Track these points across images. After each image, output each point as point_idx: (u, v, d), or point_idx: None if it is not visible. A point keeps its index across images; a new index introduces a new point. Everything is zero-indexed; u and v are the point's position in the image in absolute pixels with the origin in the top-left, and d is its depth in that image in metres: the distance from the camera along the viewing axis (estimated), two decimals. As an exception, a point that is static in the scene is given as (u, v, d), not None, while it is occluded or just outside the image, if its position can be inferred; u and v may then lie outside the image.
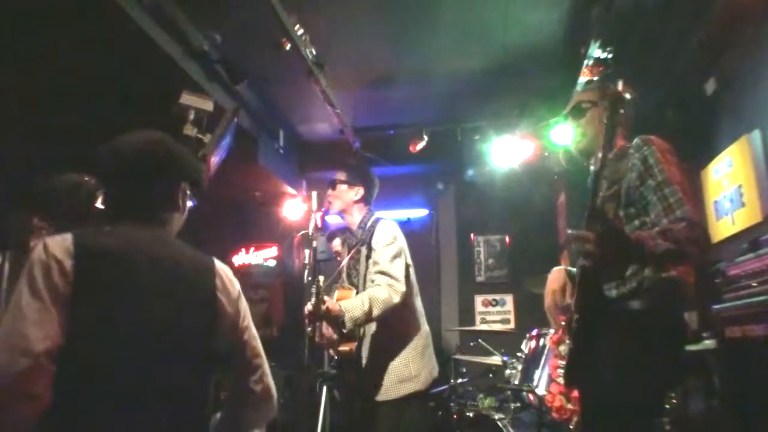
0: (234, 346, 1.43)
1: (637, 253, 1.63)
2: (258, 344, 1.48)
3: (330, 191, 2.82)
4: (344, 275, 2.85)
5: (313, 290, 2.37)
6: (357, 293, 2.61)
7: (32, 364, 1.13)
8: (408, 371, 2.58)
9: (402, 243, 2.69)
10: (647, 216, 1.78)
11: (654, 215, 1.75)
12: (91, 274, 1.23)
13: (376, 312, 2.44)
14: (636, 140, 1.86)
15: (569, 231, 1.64)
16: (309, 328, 2.48)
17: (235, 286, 1.46)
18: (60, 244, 1.24)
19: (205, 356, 1.36)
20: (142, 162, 1.41)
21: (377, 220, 2.75)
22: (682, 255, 1.66)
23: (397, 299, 2.51)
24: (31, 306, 1.17)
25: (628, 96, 2.14)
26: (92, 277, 1.23)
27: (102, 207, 1.56)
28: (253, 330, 1.48)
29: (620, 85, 2.15)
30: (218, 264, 1.45)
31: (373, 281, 2.57)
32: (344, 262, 2.84)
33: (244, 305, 1.47)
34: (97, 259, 1.25)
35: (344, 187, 2.80)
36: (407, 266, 2.69)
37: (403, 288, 2.55)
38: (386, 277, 2.54)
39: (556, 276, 2.06)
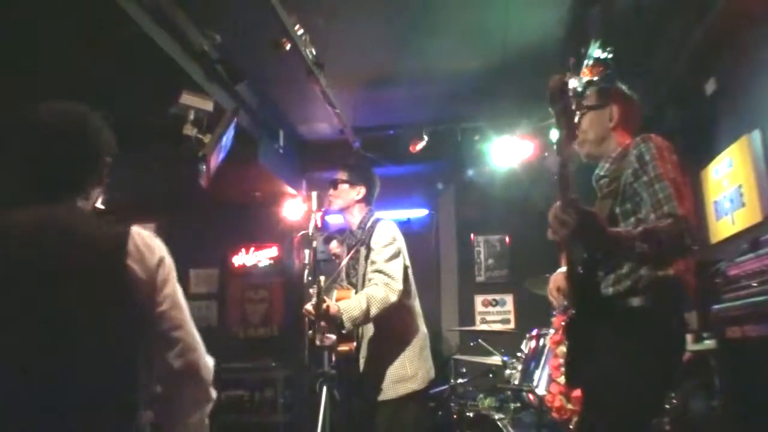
0: (150, 316, 1.29)
1: (612, 249, 1.64)
2: (182, 316, 1.33)
3: (331, 191, 2.82)
4: (343, 275, 2.85)
5: (313, 291, 2.38)
6: (356, 293, 2.61)
7: None
8: (405, 372, 2.59)
9: (401, 244, 2.69)
10: (642, 213, 1.78)
11: (645, 211, 1.75)
12: None
13: (374, 311, 2.45)
14: (636, 138, 1.87)
15: (554, 212, 1.64)
16: (310, 330, 2.49)
17: (154, 252, 1.31)
18: None
19: (121, 332, 1.26)
20: (73, 135, 1.35)
21: (377, 221, 2.75)
22: (663, 255, 1.66)
23: (394, 298, 2.51)
24: None
25: (627, 92, 2.12)
26: None
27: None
28: (179, 300, 1.34)
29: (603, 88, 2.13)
30: (135, 231, 1.31)
31: (370, 280, 2.58)
32: (344, 263, 2.84)
33: (166, 273, 1.32)
34: None
35: (346, 186, 2.80)
36: (405, 267, 2.69)
37: (399, 287, 2.55)
38: (383, 275, 2.55)
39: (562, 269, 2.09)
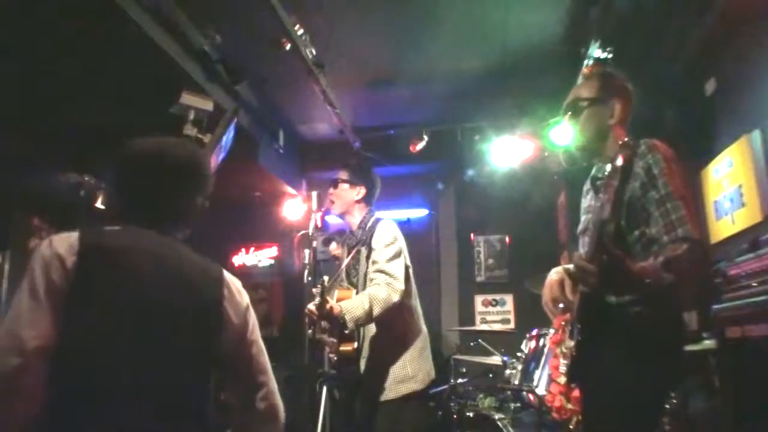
0: (239, 358, 1.40)
1: (636, 285, 1.64)
2: (265, 360, 1.45)
3: (332, 190, 2.82)
4: (343, 275, 2.85)
5: (316, 290, 2.37)
6: (356, 293, 2.61)
7: (23, 362, 1.14)
8: (406, 372, 2.59)
9: (402, 244, 2.69)
10: (648, 228, 1.73)
11: (655, 230, 1.70)
12: (92, 272, 1.23)
13: (376, 311, 2.45)
14: (641, 146, 1.77)
15: (576, 259, 1.62)
16: (310, 330, 2.49)
17: (243, 297, 1.44)
18: (65, 240, 1.24)
19: (206, 362, 1.34)
20: (178, 172, 1.41)
21: (377, 221, 2.75)
22: (684, 283, 1.66)
23: (396, 298, 2.51)
24: (26, 304, 1.18)
25: (628, 85, 2.04)
26: (93, 276, 1.23)
27: (103, 207, 1.55)
28: (261, 345, 1.45)
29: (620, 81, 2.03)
30: (227, 274, 1.43)
31: (372, 280, 2.58)
32: (345, 263, 2.83)
33: (252, 319, 1.44)
34: (101, 257, 1.25)
35: (346, 186, 2.81)
36: (407, 267, 2.69)
37: (402, 286, 2.55)
38: (385, 275, 2.55)
39: (554, 272, 2.03)
